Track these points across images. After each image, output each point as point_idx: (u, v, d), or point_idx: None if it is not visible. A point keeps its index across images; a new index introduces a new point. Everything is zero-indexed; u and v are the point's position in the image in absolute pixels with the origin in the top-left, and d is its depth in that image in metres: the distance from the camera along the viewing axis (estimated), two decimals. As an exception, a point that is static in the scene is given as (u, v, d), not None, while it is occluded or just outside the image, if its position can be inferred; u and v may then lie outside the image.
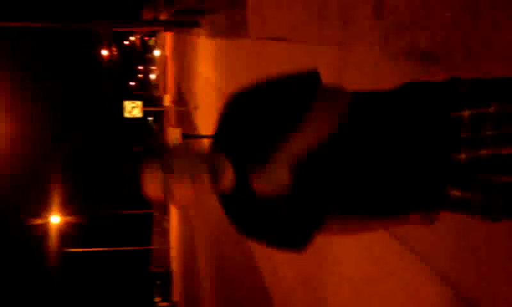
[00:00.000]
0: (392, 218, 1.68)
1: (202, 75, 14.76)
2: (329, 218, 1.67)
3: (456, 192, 1.44)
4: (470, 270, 2.63)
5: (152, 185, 1.51)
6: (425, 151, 1.43)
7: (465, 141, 1.38)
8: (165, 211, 43.94)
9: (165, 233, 40.25)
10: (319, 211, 1.62)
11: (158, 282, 48.15)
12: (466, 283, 2.66)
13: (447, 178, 1.44)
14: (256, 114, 1.52)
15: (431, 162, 1.43)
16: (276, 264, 6.22)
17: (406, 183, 1.48)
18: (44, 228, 32.47)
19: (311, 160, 1.46)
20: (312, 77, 1.53)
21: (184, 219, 22.04)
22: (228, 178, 1.55)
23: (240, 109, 1.56)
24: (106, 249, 38.08)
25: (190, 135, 13.13)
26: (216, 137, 1.61)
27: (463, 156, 1.39)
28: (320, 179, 1.52)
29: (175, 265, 32.92)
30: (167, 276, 41.16)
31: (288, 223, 1.61)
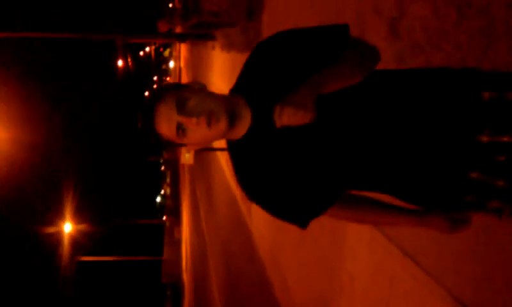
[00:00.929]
0: (412, 211, 1.52)
1: (216, 87, 14.85)
2: (343, 199, 1.55)
3: (476, 175, 1.36)
4: (485, 294, 2.62)
5: (166, 122, 1.38)
6: (450, 129, 1.35)
7: (488, 123, 1.32)
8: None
9: (177, 243, 40.24)
10: (333, 186, 1.51)
11: (169, 293, 48.13)
12: (479, 304, 2.65)
13: (469, 159, 1.35)
14: (281, 59, 1.44)
15: (455, 142, 1.35)
16: (288, 280, 6.21)
17: (429, 163, 1.38)
18: (57, 237, 32.65)
19: (334, 101, 1.37)
20: (341, 28, 1.47)
21: (196, 229, 22.05)
22: (245, 121, 1.45)
23: (264, 54, 1.48)
24: (118, 258, 38.18)
25: (203, 148, 13.15)
26: (237, 84, 1.52)
27: (485, 138, 1.32)
28: (340, 140, 1.40)
29: (186, 277, 32.89)
30: (178, 287, 41.13)
31: (299, 191, 1.49)
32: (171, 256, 39.61)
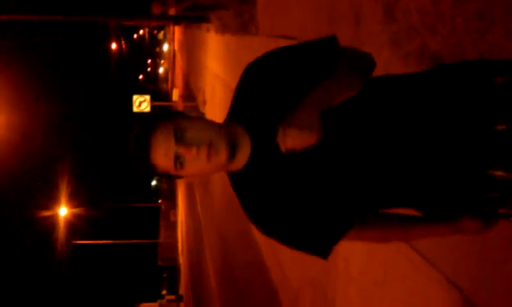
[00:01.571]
0: (438, 222, 1.42)
1: (210, 70, 14.77)
2: (361, 220, 1.44)
3: (499, 173, 1.28)
4: (480, 276, 2.63)
5: (163, 152, 1.30)
6: (466, 125, 1.27)
7: (504, 110, 1.26)
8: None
9: (172, 226, 40.38)
10: (350, 208, 1.41)
11: (165, 275, 48.43)
12: (474, 288, 2.66)
13: (489, 153, 1.28)
14: (274, 79, 1.38)
15: (473, 137, 1.27)
16: (284, 263, 6.23)
17: (449, 165, 1.30)
18: (52, 220, 32.69)
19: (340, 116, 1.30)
20: (330, 40, 1.42)
21: (192, 213, 22.10)
22: (245, 151, 1.37)
23: (256, 77, 1.41)
24: (114, 241, 38.29)
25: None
26: (233, 110, 1.44)
27: (503, 126, 1.25)
28: (349, 155, 1.33)
29: (182, 259, 33.04)
30: (174, 269, 41.36)
31: (314, 219, 1.39)
32: (166, 239, 39.75)
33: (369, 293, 3.79)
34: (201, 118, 1.39)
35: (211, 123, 1.37)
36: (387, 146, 1.31)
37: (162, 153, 1.30)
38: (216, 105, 12.91)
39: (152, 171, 1.35)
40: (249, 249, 8.25)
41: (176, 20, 18.19)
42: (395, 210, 1.48)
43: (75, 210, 32.97)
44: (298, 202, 1.38)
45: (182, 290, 34.18)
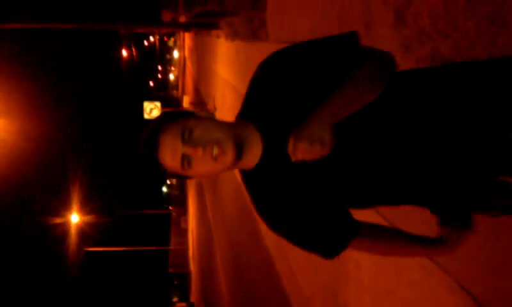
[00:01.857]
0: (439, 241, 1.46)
1: (221, 76, 14.81)
2: (367, 231, 1.45)
3: (508, 178, 1.27)
4: (492, 282, 2.60)
5: (170, 153, 1.31)
6: (481, 130, 1.25)
7: None
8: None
9: (183, 233, 40.42)
10: (359, 206, 1.41)
11: (176, 282, 48.42)
12: (487, 294, 2.63)
13: (502, 159, 1.26)
14: (290, 78, 1.34)
15: (487, 142, 1.25)
16: (295, 269, 6.21)
17: (462, 167, 1.28)
18: (64, 227, 32.85)
19: (352, 126, 1.27)
20: (350, 38, 1.37)
21: (203, 220, 22.12)
22: (256, 150, 1.36)
23: (271, 74, 1.38)
24: (125, 248, 38.40)
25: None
26: (244, 109, 1.43)
27: None
28: (363, 162, 1.31)
29: (193, 266, 33.05)
30: (184, 276, 41.35)
31: (323, 222, 1.40)
32: (177, 246, 39.81)
33: (381, 299, 3.76)
34: (209, 118, 1.38)
35: (219, 123, 1.36)
36: (400, 149, 1.30)
37: (170, 154, 1.31)
38: (226, 111, 12.93)
39: (161, 171, 1.35)
40: (261, 255, 8.23)
41: (186, 27, 18.26)
42: (405, 208, 1.48)
43: (87, 217, 33.11)
44: (307, 204, 1.38)
45: (193, 297, 34.16)
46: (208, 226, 18.51)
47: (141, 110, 15.33)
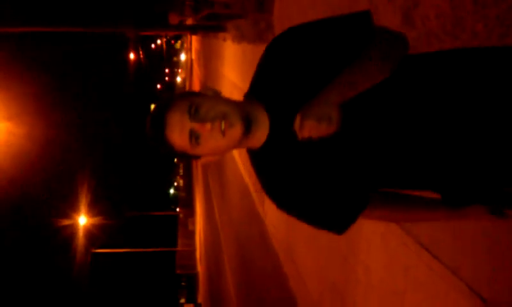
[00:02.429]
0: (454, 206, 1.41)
1: (228, 78, 14.83)
2: (378, 197, 1.44)
3: None
4: (501, 283, 2.59)
5: (178, 129, 1.29)
6: (496, 116, 1.22)
7: None
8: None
9: (190, 235, 40.47)
10: (366, 188, 1.40)
11: (183, 283, 48.51)
12: (496, 296, 2.62)
13: None
14: (299, 57, 1.32)
15: (502, 129, 1.22)
16: (303, 270, 6.21)
17: (474, 153, 1.26)
18: (72, 229, 32.99)
19: (361, 103, 1.26)
20: (363, 16, 1.34)
21: (210, 221, 22.14)
22: (263, 128, 1.35)
23: (281, 53, 1.36)
24: (132, 250, 38.50)
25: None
26: (252, 88, 1.42)
27: None
28: (371, 136, 1.29)
29: (200, 267, 33.08)
30: (192, 278, 41.39)
31: (331, 197, 1.39)
32: (185, 248, 39.85)
33: (389, 301, 3.75)
34: (217, 95, 1.37)
35: (226, 100, 1.36)
36: (411, 130, 1.28)
37: (177, 130, 1.29)
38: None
39: (169, 150, 1.34)
40: (268, 257, 8.23)
41: (193, 30, 18.32)
42: (412, 192, 1.46)
43: (94, 219, 33.24)
44: (315, 181, 1.37)
45: (200, 298, 34.18)
46: (215, 228, 18.52)
47: (148, 112, 15.38)
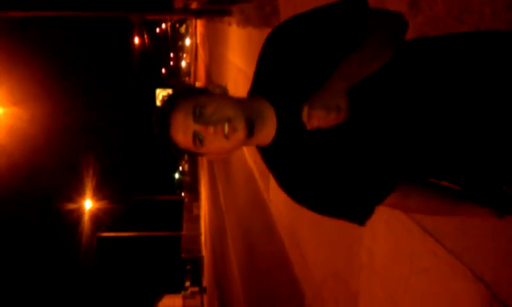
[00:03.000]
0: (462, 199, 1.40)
1: (233, 63, 14.77)
2: (402, 188, 1.40)
3: None
4: (505, 269, 2.59)
5: (182, 131, 1.30)
6: (503, 103, 1.21)
7: None
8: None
9: (195, 219, 40.64)
10: (384, 177, 1.37)
11: (188, 267, 48.81)
12: (500, 282, 2.63)
13: None
14: (300, 48, 1.31)
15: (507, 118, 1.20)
16: (307, 256, 6.23)
17: (480, 143, 1.24)
18: (78, 213, 33.17)
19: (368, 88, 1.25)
20: (358, 1, 1.33)
21: (215, 206, 22.21)
22: (270, 125, 1.35)
23: (280, 44, 1.35)
24: (138, 234, 38.70)
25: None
26: (256, 84, 1.42)
27: None
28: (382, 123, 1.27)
29: (205, 251, 33.26)
30: (197, 262, 41.64)
31: (349, 187, 1.37)
32: (190, 232, 40.04)
33: (393, 287, 3.76)
34: (222, 94, 1.36)
35: (231, 100, 1.35)
36: (419, 115, 1.27)
37: (182, 132, 1.31)
38: (238, 98, 12.91)
39: (174, 149, 1.36)
40: (272, 241, 8.26)
41: (198, 14, 18.22)
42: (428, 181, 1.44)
43: (100, 203, 33.38)
44: (329, 170, 1.36)
45: (205, 282, 34.42)
46: (220, 213, 18.59)
47: (153, 97, 15.37)
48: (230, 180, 15.66)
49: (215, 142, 1.31)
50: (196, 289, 36.42)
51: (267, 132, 1.36)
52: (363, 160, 1.33)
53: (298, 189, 1.42)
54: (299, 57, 1.32)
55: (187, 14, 21.19)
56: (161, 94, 15.52)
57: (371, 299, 4.19)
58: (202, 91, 1.36)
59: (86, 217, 32.76)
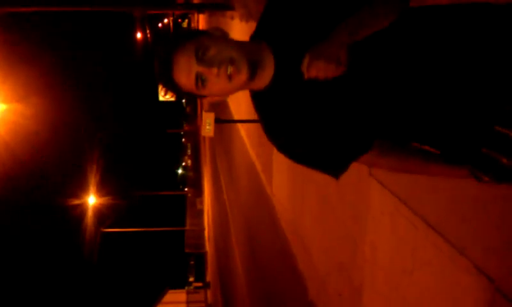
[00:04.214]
0: (438, 160, 1.40)
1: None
2: (380, 146, 1.42)
3: (502, 130, 1.23)
4: (507, 263, 2.59)
5: (185, 72, 1.30)
6: (494, 74, 1.22)
7: None
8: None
9: (199, 214, 40.70)
10: (365, 134, 1.39)
11: (192, 262, 48.94)
12: (503, 275, 2.62)
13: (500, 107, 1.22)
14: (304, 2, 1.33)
15: (497, 87, 1.22)
16: (310, 250, 6.24)
17: (465, 107, 1.26)
18: (81, 209, 33.26)
19: (367, 45, 1.26)
20: None
21: (218, 201, 22.24)
22: (268, 71, 1.36)
23: None
24: (141, 229, 38.78)
25: (223, 119, 13.18)
26: (259, 29, 1.42)
27: None
28: (373, 80, 1.29)
29: (209, 246, 33.33)
30: (201, 257, 41.73)
31: (330, 140, 1.38)
32: (193, 227, 40.10)
33: (397, 280, 3.76)
34: (224, 36, 1.37)
35: (234, 42, 1.36)
36: (411, 78, 1.28)
37: (184, 73, 1.30)
38: (240, 96, 12.92)
39: (176, 90, 1.36)
40: (276, 236, 8.27)
41: (200, 8, 18.17)
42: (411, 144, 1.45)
43: (104, 199, 33.47)
44: (315, 123, 1.37)
45: (209, 277, 34.51)
46: (223, 208, 18.61)
47: (156, 91, 15.36)
48: (233, 175, 15.67)
49: (217, 83, 1.31)
50: (199, 284, 36.53)
51: (266, 76, 1.37)
52: (349, 116, 1.35)
53: (282, 136, 1.43)
54: (305, 7, 1.33)
55: (190, 8, 21.18)
56: (164, 89, 15.48)
57: (375, 292, 4.19)
58: (203, 33, 1.35)
59: (90, 213, 32.85)
